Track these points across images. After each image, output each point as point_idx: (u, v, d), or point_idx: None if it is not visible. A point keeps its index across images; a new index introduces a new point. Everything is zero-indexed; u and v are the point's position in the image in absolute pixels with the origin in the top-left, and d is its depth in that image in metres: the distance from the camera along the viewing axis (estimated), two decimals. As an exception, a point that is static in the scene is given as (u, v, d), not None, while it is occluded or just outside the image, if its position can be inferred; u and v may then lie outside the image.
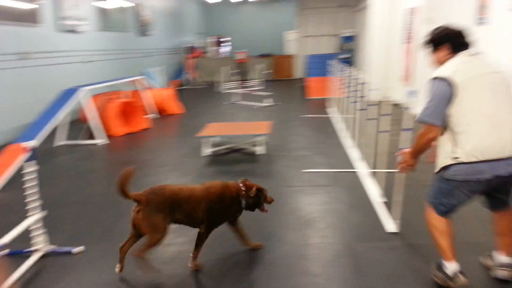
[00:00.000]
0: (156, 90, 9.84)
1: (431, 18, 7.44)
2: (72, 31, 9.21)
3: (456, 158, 2.23)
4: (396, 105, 8.44)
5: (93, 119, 6.85)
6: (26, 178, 2.94)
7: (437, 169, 2.39)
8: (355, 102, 5.74)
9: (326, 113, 8.52)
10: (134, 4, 12.73)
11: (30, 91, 7.83)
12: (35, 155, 3.00)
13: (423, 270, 2.64)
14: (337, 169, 4.74)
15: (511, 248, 2.49)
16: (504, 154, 2.18)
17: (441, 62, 2.39)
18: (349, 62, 15.11)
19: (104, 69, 10.71)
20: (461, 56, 2.34)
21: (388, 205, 3.57)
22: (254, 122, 7.05)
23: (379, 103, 4.72)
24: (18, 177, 4.77)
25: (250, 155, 5.60)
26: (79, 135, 7.17)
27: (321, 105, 9.59)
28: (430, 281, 2.52)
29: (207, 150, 5.70)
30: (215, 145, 6.06)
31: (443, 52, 2.39)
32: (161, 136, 7.38)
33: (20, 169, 4.79)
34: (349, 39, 16.01)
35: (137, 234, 2.67)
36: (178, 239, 3.23)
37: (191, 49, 17.20)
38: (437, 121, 2.25)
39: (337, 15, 16.62)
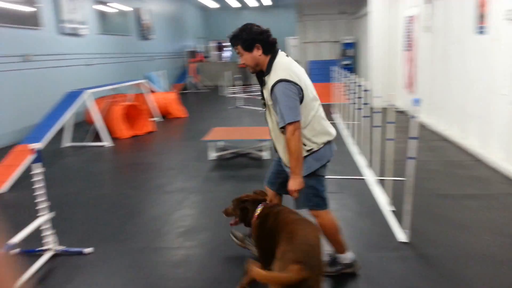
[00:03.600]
0: (159, 94, 9.86)
1: (430, 27, 7.51)
2: (73, 34, 9.24)
3: (309, 150, 2.45)
4: (400, 113, 8.49)
5: (99, 121, 6.87)
6: (34, 179, 2.95)
7: (306, 173, 2.46)
8: (359, 108, 5.77)
9: (331, 119, 8.55)
10: (133, 9, 12.76)
11: (34, 93, 7.85)
12: (41, 156, 3.00)
13: (437, 281, 2.64)
14: (344, 176, 4.75)
15: None
16: (334, 135, 2.60)
17: (257, 62, 2.46)
18: (351, 68, 15.23)
19: (106, 72, 10.73)
20: (284, 58, 2.47)
21: (397, 214, 3.59)
22: (259, 127, 7.06)
23: (383, 110, 4.75)
24: (25, 177, 4.79)
25: (257, 160, 5.61)
26: (85, 137, 7.20)
27: (326, 111, 9.58)
28: (442, 289, 2.54)
29: (213, 154, 5.71)
30: (221, 149, 6.08)
31: (257, 52, 2.43)
32: (166, 139, 7.40)
33: (27, 169, 4.82)
34: (350, 45, 16.10)
35: None
36: (187, 243, 3.24)
37: (193, 53, 17.26)
38: (300, 117, 2.36)
39: (337, 21, 16.72)
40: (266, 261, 2.31)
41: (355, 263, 2.73)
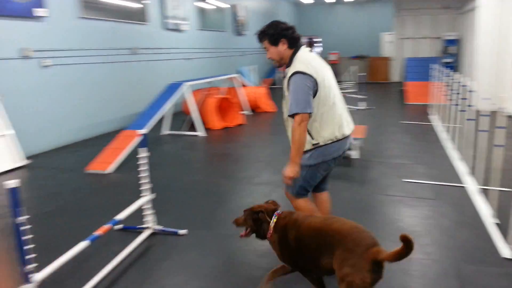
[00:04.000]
0: (250, 88, 10.12)
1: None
2: (175, 29, 9.85)
3: (315, 144, 2.55)
4: (510, 117, 7.66)
5: (194, 112, 7.28)
6: (139, 162, 3.22)
7: (304, 163, 2.58)
8: (462, 110, 5.33)
9: (427, 120, 8.02)
10: (230, 5, 13.20)
11: (138, 84, 8.56)
12: (146, 141, 3.27)
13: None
14: (441, 181, 4.44)
15: None
16: (349, 132, 2.68)
17: (281, 55, 2.62)
18: (452, 67, 14.09)
19: (203, 66, 11.29)
20: (306, 53, 2.60)
21: (502, 227, 3.25)
22: (348, 125, 6.90)
23: (491, 114, 4.32)
24: (128, 160, 5.27)
25: (344, 158, 5.47)
26: (182, 126, 7.69)
27: (422, 112, 9.05)
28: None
29: (301, 150, 5.70)
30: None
31: (283, 46, 2.59)
32: (255, 132, 7.58)
33: (131, 153, 5.29)
34: (452, 42, 14.89)
35: None
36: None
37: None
38: (310, 110, 2.45)
39: (439, 17, 15.55)
40: (304, 269, 2.27)
41: None
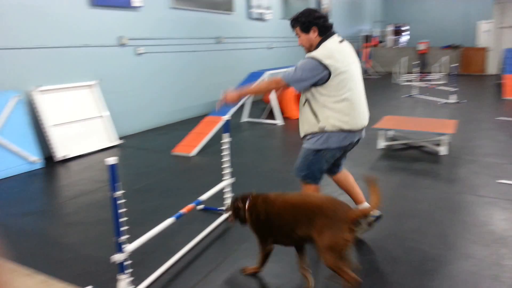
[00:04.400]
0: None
1: None
2: (259, 19, 9.94)
3: (321, 127, 2.63)
4: None
5: (274, 101, 7.34)
6: (222, 147, 3.33)
7: (311, 147, 2.71)
8: None
9: (526, 119, 7.24)
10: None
11: (222, 72, 8.83)
12: (229, 127, 3.36)
13: None
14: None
15: (360, 196, 3.05)
16: (359, 127, 2.71)
17: (311, 43, 2.70)
18: None
19: (284, 55, 11.30)
20: (334, 43, 2.64)
21: None
22: (436, 119, 6.47)
23: None
24: (209, 145, 5.49)
25: (430, 154, 5.17)
26: (261, 114, 7.81)
27: (520, 108, 8.19)
28: None
29: (383, 143, 5.49)
30: (390, 138, 5.80)
31: (313, 34, 2.67)
32: (334, 123, 7.43)
33: (213, 138, 5.50)
34: None
35: None
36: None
37: (368, 38, 16.70)
38: (296, 88, 2.62)
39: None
40: (265, 240, 2.47)
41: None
